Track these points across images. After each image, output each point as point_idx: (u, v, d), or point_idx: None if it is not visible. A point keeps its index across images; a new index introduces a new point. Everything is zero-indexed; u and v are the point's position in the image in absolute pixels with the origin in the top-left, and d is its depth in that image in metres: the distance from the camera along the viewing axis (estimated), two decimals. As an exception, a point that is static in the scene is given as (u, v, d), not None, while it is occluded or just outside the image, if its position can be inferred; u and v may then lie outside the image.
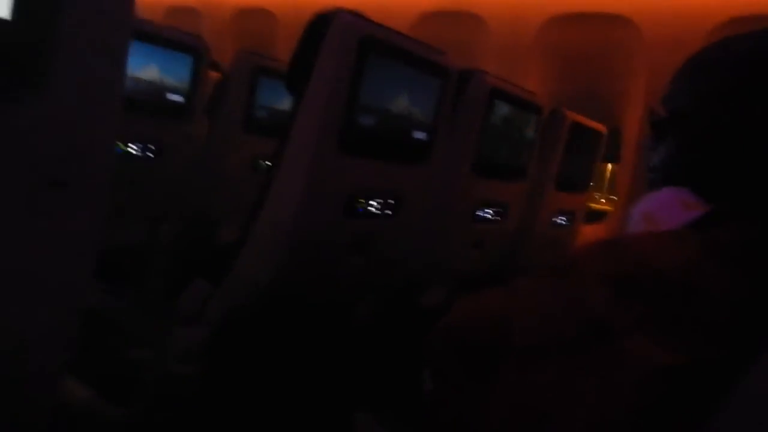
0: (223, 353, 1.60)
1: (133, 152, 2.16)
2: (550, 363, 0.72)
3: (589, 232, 3.22)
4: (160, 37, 2.12)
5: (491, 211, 2.26)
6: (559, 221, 2.83)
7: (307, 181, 1.45)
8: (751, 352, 0.69)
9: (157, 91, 2.16)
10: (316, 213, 1.52)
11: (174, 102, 2.23)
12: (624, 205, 3.32)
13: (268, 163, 2.14)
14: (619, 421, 0.69)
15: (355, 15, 1.45)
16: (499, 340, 0.79)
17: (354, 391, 1.31)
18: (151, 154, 2.24)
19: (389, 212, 1.73)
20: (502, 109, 2.10)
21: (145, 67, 2.10)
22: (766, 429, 0.69)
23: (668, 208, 0.82)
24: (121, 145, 2.12)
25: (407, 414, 1.14)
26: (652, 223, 0.82)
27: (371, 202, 1.67)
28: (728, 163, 0.84)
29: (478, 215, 2.22)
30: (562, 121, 2.58)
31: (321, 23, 1.42)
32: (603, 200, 5.32)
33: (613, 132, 3.08)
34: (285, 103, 2.44)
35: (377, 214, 1.70)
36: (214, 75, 2.65)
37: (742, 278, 0.73)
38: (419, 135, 1.72)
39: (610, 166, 5.46)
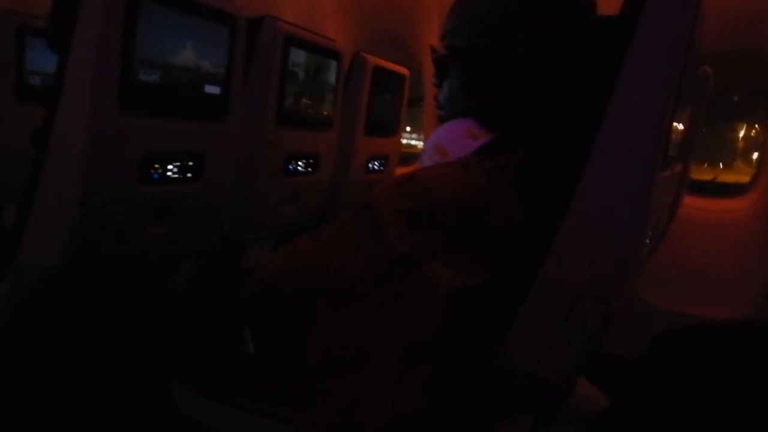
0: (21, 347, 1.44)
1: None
2: (362, 300, 0.73)
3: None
4: None
5: (302, 163, 2.23)
6: (373, 167, 2.88)
7: (86, 149, 1.30)
8: (535, 265, 0.74)
9: None
10: (103, 185, 1.37)
11: None
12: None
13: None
14: (430, 343, 0.72)
15: None
16: (311, 287, 0.79)
17: (172, 362, 1.24)
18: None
19: (190, 175, 1.62)
20: (300, 56, 2.05)
21: None
22: (549, 332, 0.74)
23: (456, 140, 0.85)
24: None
25: (227, 379, 1.10)
26: (443, 154, 0.84)
27: (169, 167, 1.55)
28: (500, 92, 0.87)
29: (289, 169, 2.17)
30: (364, 66, 2.59)
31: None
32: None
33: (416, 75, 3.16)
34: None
35: (177, 178, 1.58)
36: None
37: (522, 198, 0.77)
38: (212, 89, 1.62)
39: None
